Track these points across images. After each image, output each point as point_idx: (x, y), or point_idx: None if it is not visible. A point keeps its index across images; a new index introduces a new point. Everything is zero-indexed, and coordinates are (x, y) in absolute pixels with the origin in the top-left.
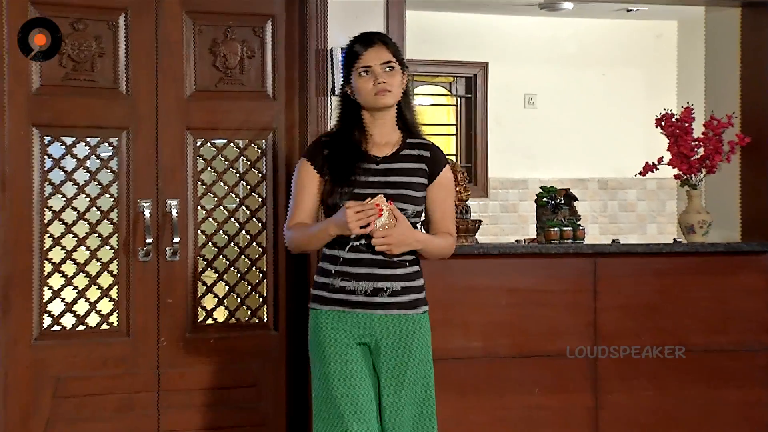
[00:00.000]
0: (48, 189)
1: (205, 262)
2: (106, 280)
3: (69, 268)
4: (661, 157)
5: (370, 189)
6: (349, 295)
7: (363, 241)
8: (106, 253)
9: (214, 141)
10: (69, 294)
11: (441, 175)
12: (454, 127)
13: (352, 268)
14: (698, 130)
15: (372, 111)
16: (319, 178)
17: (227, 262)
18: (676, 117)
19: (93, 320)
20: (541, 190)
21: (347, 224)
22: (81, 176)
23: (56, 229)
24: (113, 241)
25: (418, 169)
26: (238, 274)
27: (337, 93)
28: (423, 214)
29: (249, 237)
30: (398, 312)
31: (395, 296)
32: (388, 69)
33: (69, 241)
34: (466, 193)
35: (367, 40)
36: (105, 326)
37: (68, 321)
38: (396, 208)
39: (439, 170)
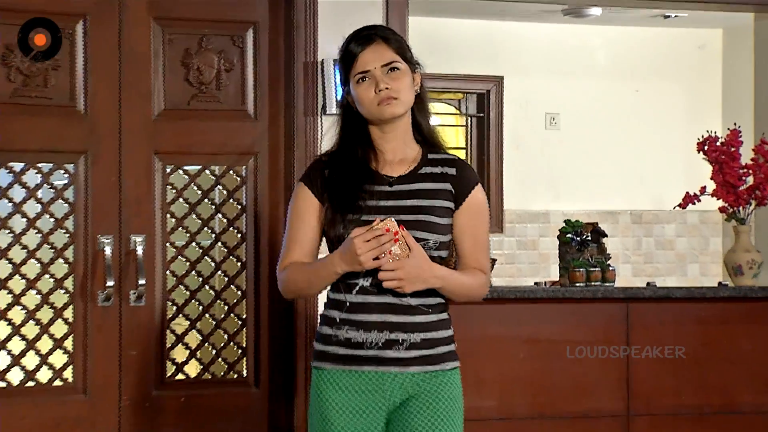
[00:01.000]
0: None
1: (175, 308)
2: (59, 328)
3: (17, 315)
4: (704, 187)
5: (381, 216)
6: (356, 348)
7: (374, 281)
8: (60, 298)
9: (186, 167)
10: (16, 345)
11: (471, 196)
12: (464, 150)
13: (359, 315)
14: (747, 155)
15: (380, 124)
16: (319, 205)
17: (201, 308)
18: (721, 140)
19: (44, 376)
20: (564, 225)
21: (357, 257)
22: (32, 208)
23: (2, 269)
24: (68, 283)
25: (442, 191)
26: (214, 322)
27: (330, 110)
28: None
29: (226, 279)
30: (418, 369)
31: (413, 350)
32: (391, 71)
33: (17, 284)
34: None
35: (363, 37)
36: (58, 383)
37: (15, 377)
38: (410, 235)
39: (467, 191)
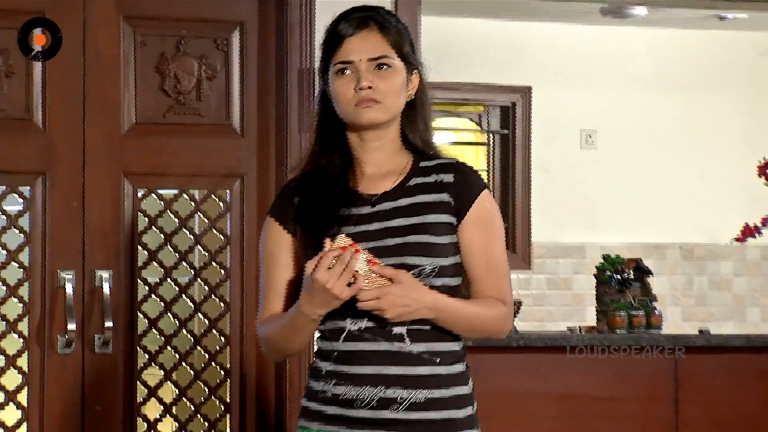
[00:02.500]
0: None
1: (146, 356)
2: (12, 379)
3: None
4: (766, 218)
5: (362, 244)
6: (346, 408)
7: (365, 324)
8: (12, 343)
9: (160, 191)
10: None
11: (475, 206)
12: (485, 173)
13: (349, 366)
14: None
15: (358, 130)
16: (292, 240)
17: (177, 357)
18: None
19: None
20: (602, 261)
21: (329, 291)
22: None
23: None
24: (23, 326)
25: (437, 204)
26: (192, 373)
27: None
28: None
29: (207, 322)
30: None
31: (416, 411)
32: (379, 68)
33: None
34: None
35: (356, 18)
36: None
37: None
38: (370, 255)
39: (471, 199)
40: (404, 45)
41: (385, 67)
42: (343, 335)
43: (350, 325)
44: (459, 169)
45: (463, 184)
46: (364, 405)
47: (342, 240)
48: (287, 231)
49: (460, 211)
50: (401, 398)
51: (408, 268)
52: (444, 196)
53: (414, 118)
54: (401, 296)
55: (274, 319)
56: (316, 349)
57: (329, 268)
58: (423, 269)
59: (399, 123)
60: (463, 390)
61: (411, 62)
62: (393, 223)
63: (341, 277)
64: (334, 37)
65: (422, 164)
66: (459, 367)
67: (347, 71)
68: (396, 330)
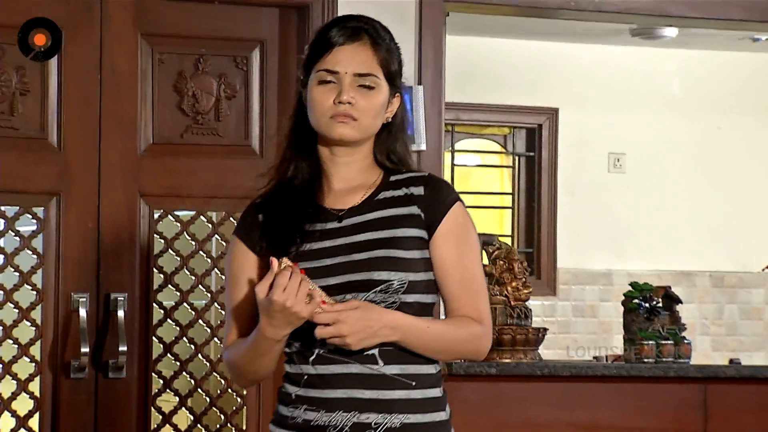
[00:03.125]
0: None
1: (161, 381)
2: (23, 404)
3: None
4: None
5: (328, 260)
6: None
7: (335, 346)
8: (24, 367)
9: (177, 213)
10: None
11: (447, 219)
12: (510, 197)
13: (320, 390)
14: None
15: (329, 144)
16: (257, 260)
17: (192, 382)
18: None
19: None
20: (630, 288)
21: (287, 310)
22: None
23: None
24: (35, 350)
25: (406, 217)
26: (208, 399)
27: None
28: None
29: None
30: None
31: None
32: (363, 85)
33: None
34: (525, 291)
35: (349, 28)
36: None
37: None
38: (322, 294)
39: (442, 212)
40: (392, 65)
41: (369, 85)
42: (312, 357)
43: (319, 347)
44: (430, 181)
45: (434, 196)
46: (337, 431)
47: (286, 262)
48: (252, 250)
49: (431, 224)
50: (375, 424)
51: (375, 283)
52: (414, 210)
53: (387, 140)
54: (359, 319)
55: (238, 344)
56: (284, 374)
57: (284, 287)
58: (391, 284)
59: (371, 142)
60: (441, 416)
61: (396, 84)
62: (360, 237)
63: (298, 294)
64: (324, 43)
65: (392, 178)
66: (436, 392)
67: (330, 80)
68: (367, 350)
